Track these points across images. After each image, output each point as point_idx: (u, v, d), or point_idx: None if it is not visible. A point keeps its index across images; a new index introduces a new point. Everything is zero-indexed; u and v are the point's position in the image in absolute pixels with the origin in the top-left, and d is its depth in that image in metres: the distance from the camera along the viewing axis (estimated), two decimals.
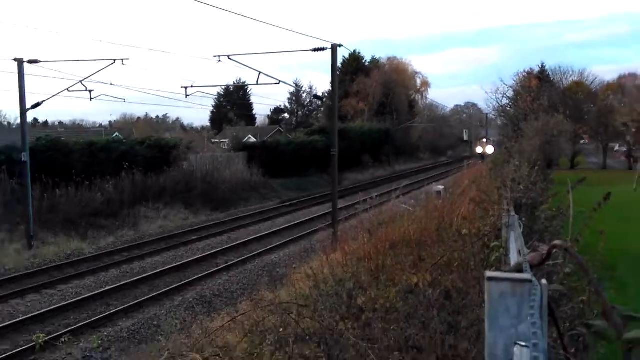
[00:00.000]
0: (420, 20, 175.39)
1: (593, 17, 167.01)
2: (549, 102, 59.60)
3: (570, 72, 74.65)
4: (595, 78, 74.84)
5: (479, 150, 78.83)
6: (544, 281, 1.72)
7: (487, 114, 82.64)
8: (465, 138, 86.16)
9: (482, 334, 4.28)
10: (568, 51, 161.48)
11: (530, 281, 1.59)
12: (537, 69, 71.29)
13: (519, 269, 2.09)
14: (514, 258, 4.67)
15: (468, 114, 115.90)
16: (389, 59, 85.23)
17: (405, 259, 8.23)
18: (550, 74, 71.96)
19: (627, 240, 17.63)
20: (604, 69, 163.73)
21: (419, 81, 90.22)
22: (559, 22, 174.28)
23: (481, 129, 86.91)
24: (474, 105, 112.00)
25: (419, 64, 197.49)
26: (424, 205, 15.50)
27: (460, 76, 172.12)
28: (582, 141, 70.30)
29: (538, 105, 59.21)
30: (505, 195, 10.24)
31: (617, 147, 71.41)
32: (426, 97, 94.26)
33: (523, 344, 1.51)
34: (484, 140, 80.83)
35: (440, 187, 22.88)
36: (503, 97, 72.61)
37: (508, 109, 70.07)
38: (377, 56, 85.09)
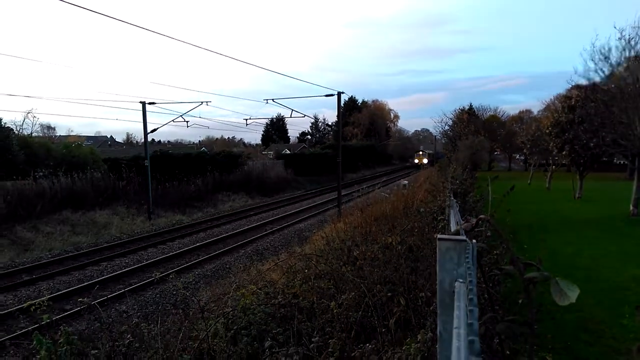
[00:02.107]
0: (396, 77, 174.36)
1: (505, 74, 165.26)
2: (474, 128, 59.19)
3: (489, 109, 74.04)
4: (505, 113, 74.11)
5: (415, 161, 73.37)
6: (474, 241, 1.72)
7: (435, 135, 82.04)
8: (421, 151, 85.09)
9: (434, 274, 4.26)
10: (488, 96, 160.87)
11: (465, 241, 1.59)
12: (467, 107, 70.86)
13: (457, 233, 2.08)
14: (453, 226, 4.64)
15: (423, 135, 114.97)
16: (373, 101, 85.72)
17: (384, 227, 8.19)
18: (476, 110, 71.38)
19: (523, 216, 17.49)
20: (510, 107, 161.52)
21: (392, 115, 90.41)
22: (481, 77, 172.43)
23: (431, 145, 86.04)
24: (427, 130, 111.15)
25: (393, 104, 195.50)
26: (395, 193, 15.43)
27: (419, 111, 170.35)
28: (495, 152, 69.70)
29: (468, 130, 58.82)
30: (447, 186, 10.19)
31: (517, 156, 70.80)
32: (397, 125, 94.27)
33: (461, 280, 1.51)
34: (420, 152, 75.39)
35: (406, 182, 22.76)
36: (445, 125, 72.07)
37: (449, 132, 69.50)
38: (365, 99, 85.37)
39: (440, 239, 1.60)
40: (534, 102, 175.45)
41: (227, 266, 14.82)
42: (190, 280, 13.09)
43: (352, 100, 79.28)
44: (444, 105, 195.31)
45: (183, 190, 28.28)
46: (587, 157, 23.73)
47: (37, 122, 49.10)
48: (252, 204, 30.21)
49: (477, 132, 57.31)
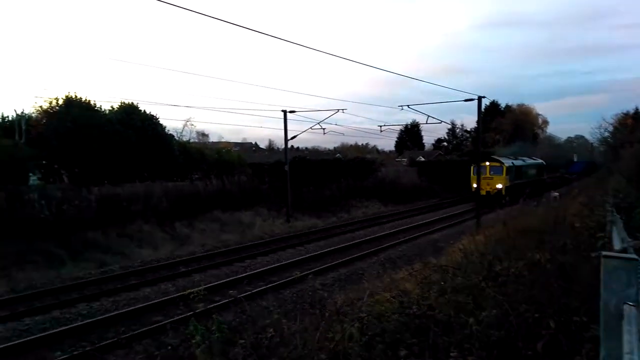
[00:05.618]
0: (547, 78, 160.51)
1: None
2: None
3: None
4: None
5: (474, 185, 29.74)
6: None
7: (592, 142, 73.82)
8: (575, 160, 76.58)
9: (590, 296, 3.87)
10: None
11: (636, 260, 1.45)
12: (632, 111, 62.47)
13: (624, 251, 1.90)
14: (617, 244, 4.18)
15: (577, 142, 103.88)
16: (518, 105, 79.99)
17: (530, 242, 7.63)
18: None
19: None
20: None
21: (540, 120, 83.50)
22: None
23: (587, 152, 77.31)
24: (582, 136, 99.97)
25: (542, 108, 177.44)
26: (545, 206, 14.24)
27: (573, 116, 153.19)
28: None
29: (633, 137, 51.90)
30: (607, 200, 9.13)
31: None
32: (545, 131, 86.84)
33: (631, 303, 1.38)
34: (486, 164, 33.52)
35: (556, 194, 21.03)
36: (605, 131, 64.39)
37: (609, 139, 61.95)
38: (509, 103, 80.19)
39: (605, 256, 1.47)
40: None
41: (360, 272, 14.97)
42: (326, 282, 13.57)
43: (493, 104, 74.98)
44: (604, 109, 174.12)
45: (318, 195, 29.43)
46: None
47: (194, 130, 55.39)
48: (385, 211, 30.24)
49: None
